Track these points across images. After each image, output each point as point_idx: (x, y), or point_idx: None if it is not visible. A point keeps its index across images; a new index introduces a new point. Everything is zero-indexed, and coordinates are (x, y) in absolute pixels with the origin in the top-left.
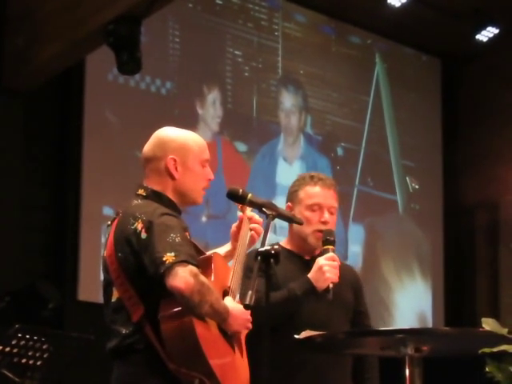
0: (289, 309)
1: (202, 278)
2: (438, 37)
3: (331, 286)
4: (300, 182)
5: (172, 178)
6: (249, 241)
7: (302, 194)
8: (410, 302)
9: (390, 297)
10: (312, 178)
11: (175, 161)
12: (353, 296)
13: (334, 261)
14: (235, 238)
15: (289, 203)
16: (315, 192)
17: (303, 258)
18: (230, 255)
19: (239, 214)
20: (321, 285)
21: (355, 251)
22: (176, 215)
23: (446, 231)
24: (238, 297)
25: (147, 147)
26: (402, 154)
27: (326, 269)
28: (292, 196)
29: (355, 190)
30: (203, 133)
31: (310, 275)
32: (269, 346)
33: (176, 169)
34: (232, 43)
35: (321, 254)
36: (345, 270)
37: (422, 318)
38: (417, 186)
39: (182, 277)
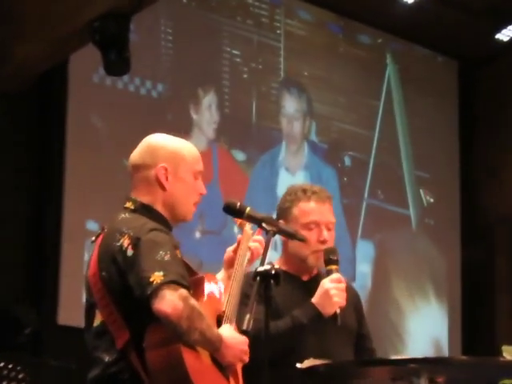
0: (294, 339)
1: (193, 301)
2: (454, 36)
3: (338, 311)
4: (292, 198)
5: (162, 188)
6: (247, 261)
7: (295, 211)
8: (423, 328)
9: (401, 322)
10: (305, 192)
11: (166, 170)
12: (355, 318)
13: (340, 282)
14: (230, 263)
15: (281, 221)
16: (310, 208)
17: (301, 279)
18: (223, 286)
19: (238, 236)
20: (328, 311)
21: (363, 271)
22: (166, 231)
23: (463, 249)
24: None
25: (136, 154)
26: (415, 164)
27: (333, 293)
28: (285, 213)
29: (364, 203)
30: (198, 140)
31: (314, 300)
32: (269, 380)
33: (166, 178)
34: (229, 42)
35: (318, 275)
36: (346, 291)
37: (437, 346)
38: (432, 200)
39: (170, 300)
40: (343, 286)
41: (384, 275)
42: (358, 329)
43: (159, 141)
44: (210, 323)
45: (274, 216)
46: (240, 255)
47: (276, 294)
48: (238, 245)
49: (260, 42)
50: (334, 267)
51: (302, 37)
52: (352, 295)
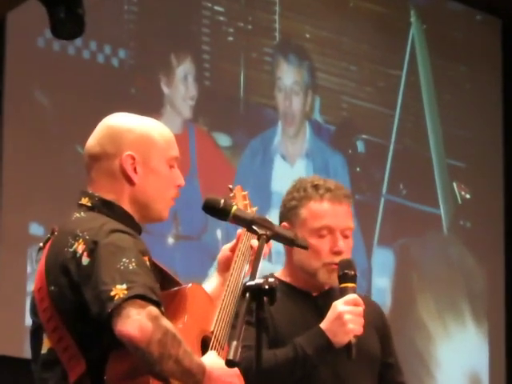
0: (296, 373)
1: (165, 321)
2: None
3: (354, 340)
4: (301, 195)
5: (130, 182)
6: (248, 263)
7: (304, 212)
8: (457, 358)
9: (429, 349)
10: (316, 188)
11: (134, 159)
12: (379, 342)
13: (356, 305)
14: (226, 266)
15: (285, 223)
16: (323, 210)
17: (311, 295)
18: (216, 294)
19: (238, 231)
20: (340, 339)
21: (381, 286)
22: (132, 233)
23: (508, 258)
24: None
25: (93, 141)
26: (447, 150)
27: (347, 318)
28: (289, 214)
29: (382, 200)
30: (170, 120)
31: (324, 326)
32: None
33: (135, 170)
34: None
35: (331, 290)
36: (366, 307)
37: (474, 380)
38: (468, 196)
39: (136, 320)
40: (361, 310)
41: (407, 291)
42: (382, 356)
43: (122, 122)
44: (189, 349)
45: (269, 217)
46: (239, 255)
47: (278, 314)
48: (238, 241)
49: None
50: (349, 285)
51: None
52: (374, 312)
